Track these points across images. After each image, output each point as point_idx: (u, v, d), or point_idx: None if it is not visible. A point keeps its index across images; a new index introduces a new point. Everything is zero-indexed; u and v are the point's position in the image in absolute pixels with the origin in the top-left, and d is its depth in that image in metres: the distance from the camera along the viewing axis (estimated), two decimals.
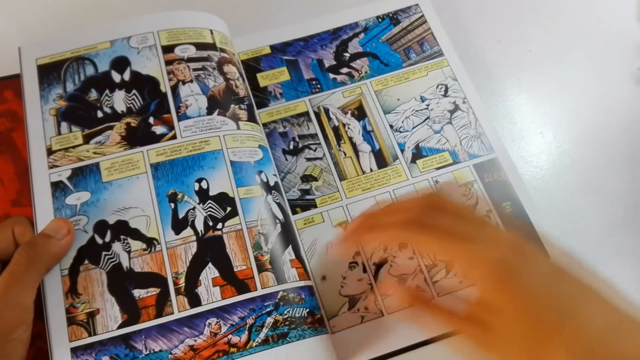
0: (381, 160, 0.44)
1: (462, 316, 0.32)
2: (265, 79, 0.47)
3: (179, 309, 0.35)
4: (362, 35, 0.49)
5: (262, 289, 0.36)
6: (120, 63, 0.42)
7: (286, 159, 0.44)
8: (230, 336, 0.34)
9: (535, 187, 0.44)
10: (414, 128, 0.45)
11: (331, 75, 0.47)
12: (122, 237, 0.37)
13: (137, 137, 0.40)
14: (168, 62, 0.42)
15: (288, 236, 0.39)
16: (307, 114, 0.45)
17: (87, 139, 0.39)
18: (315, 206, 0.42)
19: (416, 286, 0.40)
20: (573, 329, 0.29)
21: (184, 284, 0.36)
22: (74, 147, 0.39)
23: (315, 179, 0.43)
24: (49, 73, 0.41)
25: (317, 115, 0.45)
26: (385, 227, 0.34)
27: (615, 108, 0.47)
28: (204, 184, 0.38)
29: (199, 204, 0.38)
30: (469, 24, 0.51)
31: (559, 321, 0.29)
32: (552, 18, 0.51)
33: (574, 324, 0.29)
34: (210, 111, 0.41)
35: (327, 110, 0.46)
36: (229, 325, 0.35)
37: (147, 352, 0.34)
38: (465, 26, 0.51)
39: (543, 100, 0.48)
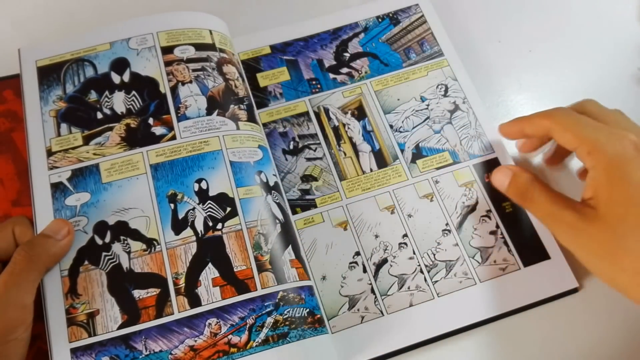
0: (381, 160, 0.44)
1: (564, 207, 0.35)
2: (265, 79, 0.47)
3: (179, 309, 0.35)
4: (362, 35, 0.49)
5: (262, 289, 0.36)
6: (120, 64, 0.42)
7: (286, 159, 0.44)
8: (230, 336, 0.34)
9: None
10: (414, 128, 0.45)
11: (331, 75, 0.47)
12: (122, 237, 0.37)
13: (137, 138, 0.40)
14: (167, 63, 0.42)
15: (288, 236, 0.39)
16: (307, 114, 0.45)
17: (86, 140, 0.39)
18: (315, 206, 0.42)
19: (416, 285, 0.40)
20: None
21: (184, 284, 0.36)
22: (73, 148, 0.39)
23: (315, 179, 0.43)
24: (49, 75, 0.41)
25: (317, 115, 0.45)
26: (538, 114, 0.39)
27: (615, 108, 0.47)
28: (203, 185, 0.38)
29: (198, 204, 0.38)
30: (469, 24, 0.51)
31: None
32: (552, 18, 0.51)
33: None
34: (209, 111, 0.41)
35: (327, 110, 0.46)
36: (229, 326, 0.35)
37: (147, 352, 0.34)
38: (465, 26, 0.51)
39: (543, 100, 0.48)
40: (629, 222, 0.33)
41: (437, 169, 0.44)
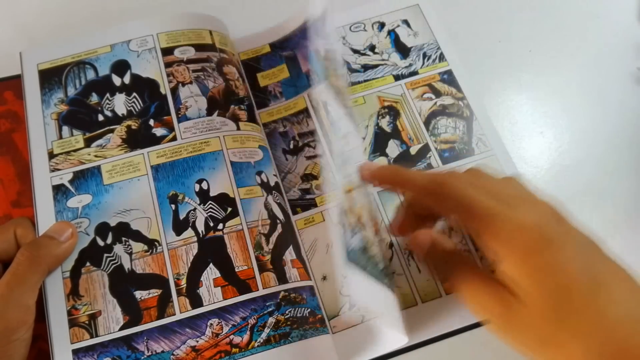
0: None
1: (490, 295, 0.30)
2: (265, 78, 0.47)
3: (181, 309, 0.35)
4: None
5: (263, 289, 0.36)
6: (121, 66, 0.42)
7: (286, 159, 0.44)
8: (232, 336, 0.34)
9: (534, 188, 0.44)
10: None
11: None
12: (123, 239, 0.37)
13: (138, 139, 0.40)
14: (167, 64, 0.42)
15: (289, 236, 0.39)
16: (306, 110, 0.45)
17: (88, 143, 0.40)
18: (315, 205, 0.42)
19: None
20: (600, 311, 0.27)
21: (185, 285, 0.36)
22: (75, 150, 0.39)
23: (316, 177, 0.43)
24: (50, 78, 0.41)
25: (316, 111, 0.45)
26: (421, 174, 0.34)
27: (615, 108, 0.47)
28: (204, 185, 0.38)
29: (199, 204, 0.38)
30: (469, 24, 0.51)
31: (587, 300, 0.27)
32: (552, 18, 0.51)
33: (602, 303, 0.27)
34: (210, 112, 0.41)
35: (325, 105, 0.45)
36: (230, 326, 0.35)
37: (149, 353, 0.34)
38: (465, 26, 0.51)
39: (543, 100, 0.48)
40: (561, 312, 0.28)
41: None
